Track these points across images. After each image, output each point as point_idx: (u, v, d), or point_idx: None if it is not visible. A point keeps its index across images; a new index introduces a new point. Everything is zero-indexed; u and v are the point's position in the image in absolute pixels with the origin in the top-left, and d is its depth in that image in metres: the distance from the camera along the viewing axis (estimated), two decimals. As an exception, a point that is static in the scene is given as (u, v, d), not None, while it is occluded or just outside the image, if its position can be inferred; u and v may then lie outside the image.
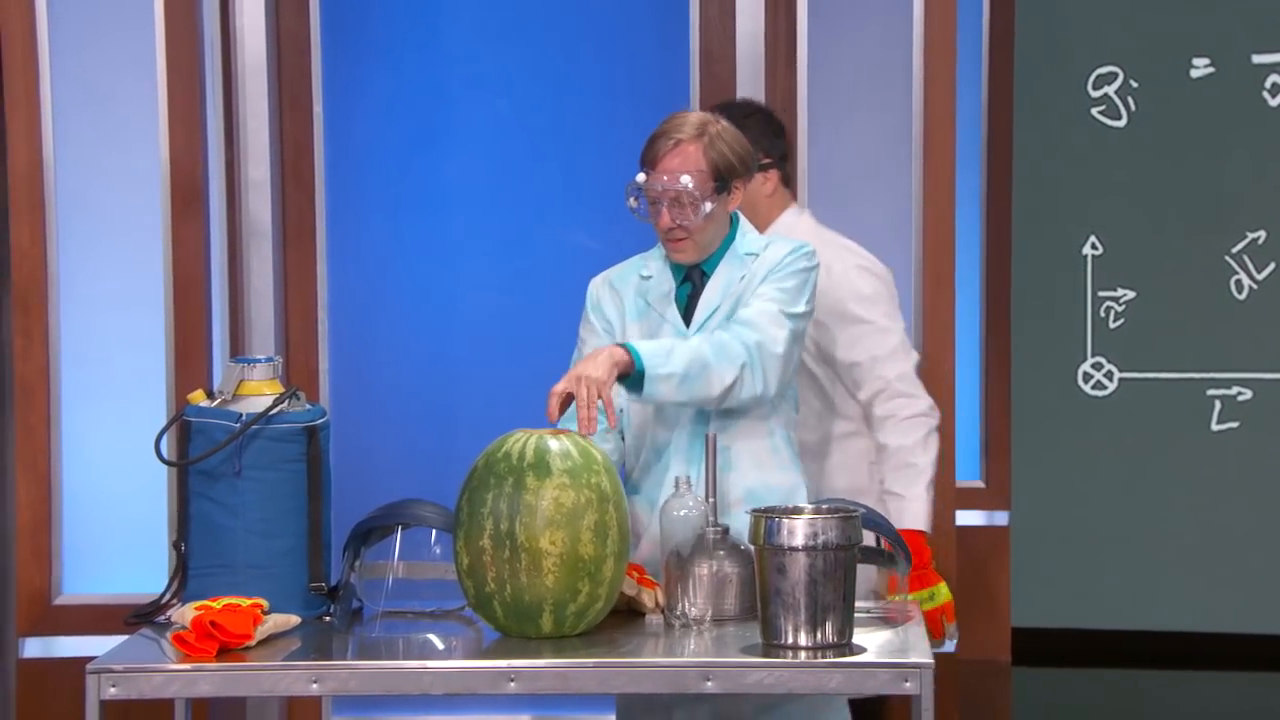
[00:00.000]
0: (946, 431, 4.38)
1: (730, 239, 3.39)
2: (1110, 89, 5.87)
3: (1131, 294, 5.90)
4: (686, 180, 3.27)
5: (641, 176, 3.31)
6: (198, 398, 3.18)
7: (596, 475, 3.00)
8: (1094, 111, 5.88)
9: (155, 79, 4.27)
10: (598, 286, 3.48)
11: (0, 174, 4.49)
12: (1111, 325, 5.91)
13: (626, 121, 4.58)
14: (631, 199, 3.33)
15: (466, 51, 4.59)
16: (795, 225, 3.88)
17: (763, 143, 3.80)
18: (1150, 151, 5.82)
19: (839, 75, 4.40)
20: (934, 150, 4.37)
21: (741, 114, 3.75)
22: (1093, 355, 5.92)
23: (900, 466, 3.78)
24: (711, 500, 3.18)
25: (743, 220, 3.44)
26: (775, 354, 3.28)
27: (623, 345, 3.20)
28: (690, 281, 3.40)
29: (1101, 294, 5.91)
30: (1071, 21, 5.84)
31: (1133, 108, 5.87)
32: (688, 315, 3.38)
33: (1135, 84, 5.86)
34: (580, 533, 2.97)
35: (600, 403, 3.11)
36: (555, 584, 2.98)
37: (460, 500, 3.05)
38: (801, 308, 3.33)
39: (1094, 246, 5.91)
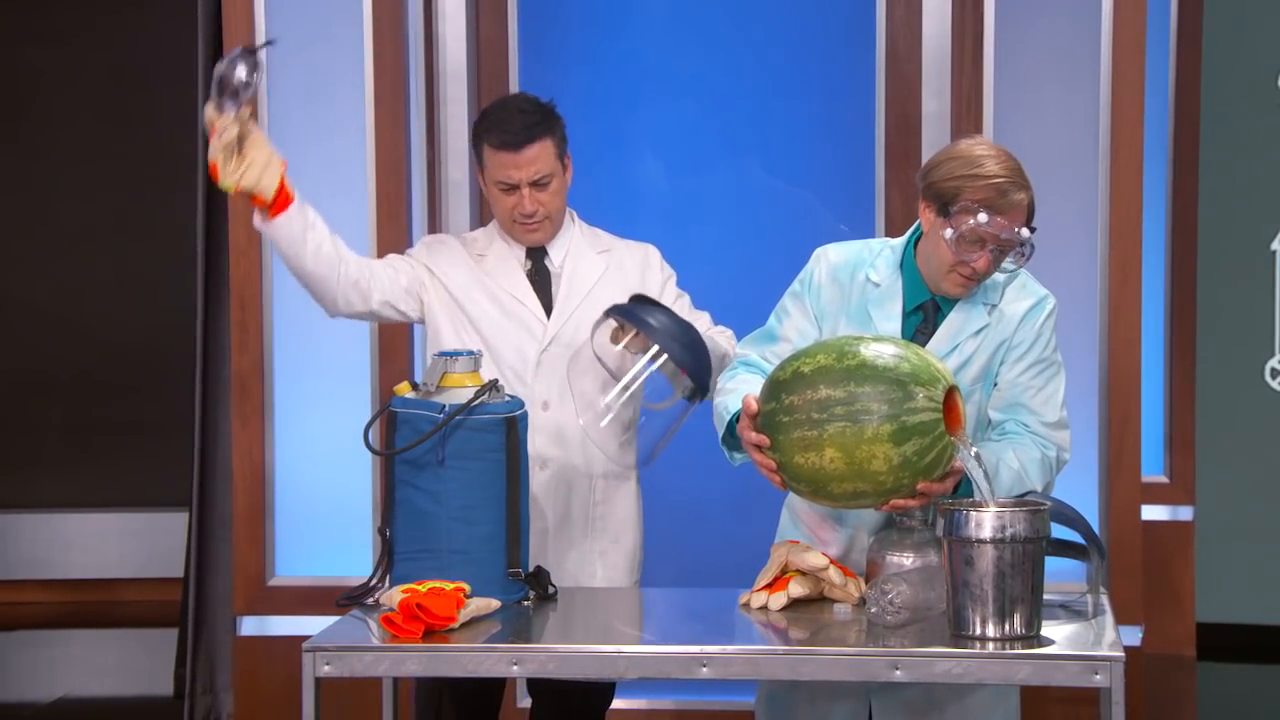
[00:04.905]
0: (1132, 427, 4.38)
1: None
2: (1300, 84, 5.80)
3: (1321, 290, 5.83)
4: (1026, 234, 3.19)
5: (985, 217, 3.16)
6: (403, 390, 3.26)
7: (909, 481, 3.04)
8: (1283, 107, 5.82)
9: (363, 84, 4.41)
10: (821, 268, 3.35)
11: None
12: (1300, 322, 5.84)
13: (813, 122, 4.61)
14: (967, 233, 3.18)
15: (656, 55, 4.63)
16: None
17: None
18: (1341, 146, 5.74)
19: (1025, 74, 4.37)
20: (1121, 148, 4.35)
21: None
22: (1280, 351, 5.86)
23: None
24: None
25: None
26: (1065, 460, 3.30)
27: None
28: (922, 312, 3.30)
29: (1290, 290, 5.84)
30: (1261, 16, 5.76)
31: (1323, 103, 5.79)
32: None
33: (1326, 79, 5.78)
34: (846, 483, 3.04)
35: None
36: (796, 470, 3.06)
37: (857, 340, 3.10)
38: (1064, 375, 3.33)
39: (1283, 242, 5.84)
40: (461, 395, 3.21)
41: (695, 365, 3.40)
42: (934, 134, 4.54)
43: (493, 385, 3.24)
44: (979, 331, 3.28)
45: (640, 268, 3.71)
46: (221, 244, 4.73)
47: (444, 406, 3.19)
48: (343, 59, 4.42)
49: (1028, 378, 3.28)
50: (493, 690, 3.66)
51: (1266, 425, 5.82)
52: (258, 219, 3.40)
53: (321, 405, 4.40)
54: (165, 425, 6.64)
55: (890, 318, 3.29)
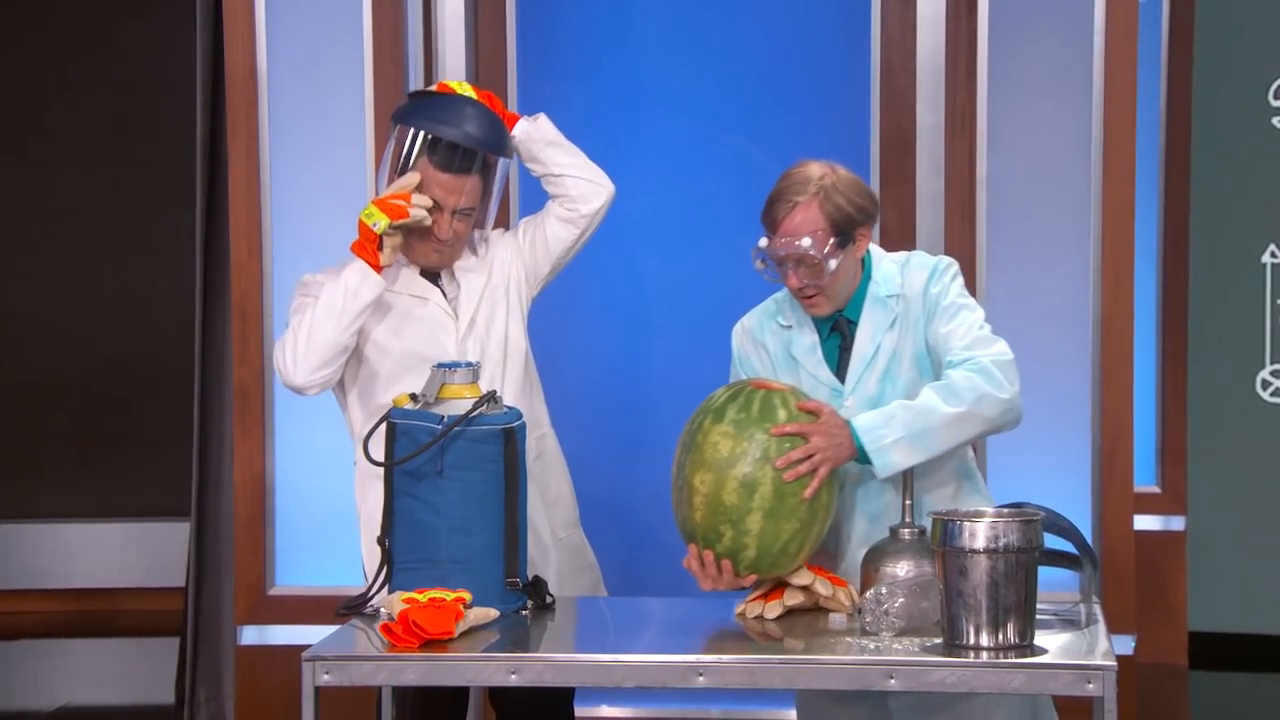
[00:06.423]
0: (1124, 437, 4.41)
1: (867, 279, 3.33)
2: (1291, 97, 5.83)
3: (1311, 302, 5.85)
4: (806, 243, 3.21)
5: (764, 241, 3.26)
6: (402, 401, 3.28)
7: (764, 434, 3.12)
8: (1274, 120, 5.83)
9: (363, 98, 4.45)
10: (740, 340, 3.43)
11: (222, 192, 4.72)
12: (1290, 333, 5.87)
13: (808, 135, 4.63)
14: (758, 262, 3.28)
15: (654, 69, 4.66)
16: None
17: None
18: (1332, 159, 5.77)
19: (1019, 88, 4.40)
20: (1113, 161, 4.38)
21: None
22: (1271, 363, 5.88)
23: None
24: (908, 502, 3.23)
25: (875, 256, 3.35)
26: (1007, 360, 3.23)
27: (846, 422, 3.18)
28: (839, 332, 3.35)
29: (1280, 302, 5.87)
30: (1252, 30, 5.79)
31: (1314, 116, 5.82)
32: (841, 370, 3.33)
33: (1317, 92, 5.81)
34: (726, 481, 3.11)
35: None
36: (701, 521, 3.14)
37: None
38: (982, 312, 3.32)
39: (1273, 254, 5.86)
40: (460, 407, 3.23)
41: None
42: (929, 147, 4.57)
43: (491, 396, 3.26)
44: (892, 324, 3.32)
45: (507, 241, 3.75)
46: (221, 256, 4.76)
47: (442, 418, 3.21)
48: (343, 74, 4.45)
49: (939, 326, 3.29)
50: (459, 698, 3.69)
51: (1257, 436, 5.85)
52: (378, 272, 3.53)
53: (322, 416, 4.39)
54: (166, 436, 6.66)
55: (810, 349, 3.35)
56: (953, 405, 3.17)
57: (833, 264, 3.24)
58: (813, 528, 3.17)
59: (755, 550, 3.14)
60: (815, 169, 3.28)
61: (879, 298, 3.32)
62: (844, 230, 3.25)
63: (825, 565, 3.31)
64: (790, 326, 3.37)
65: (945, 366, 3.25)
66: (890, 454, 3.17)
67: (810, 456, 3.14)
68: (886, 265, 3.35)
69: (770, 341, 3.39)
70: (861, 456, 3.19)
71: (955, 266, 3.35)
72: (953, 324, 3.27)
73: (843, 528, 3.37)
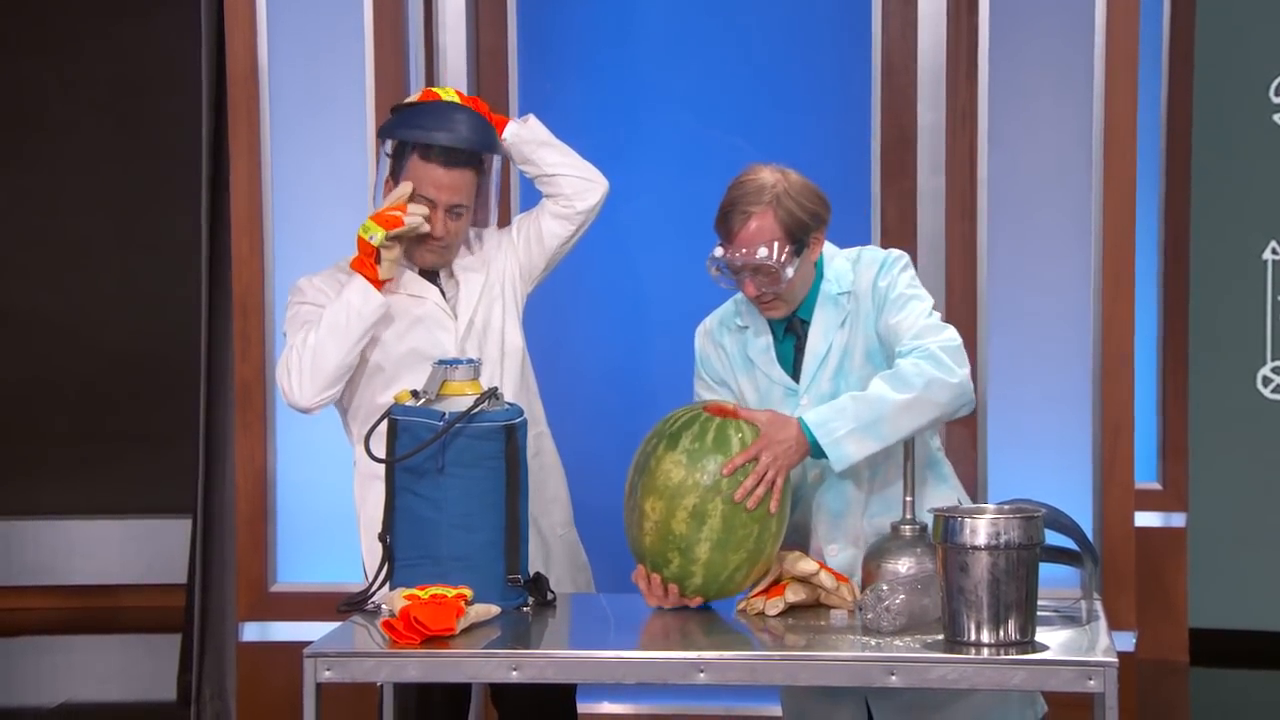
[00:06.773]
0: (1125, 434, 4.42)
1: (819, 278, 3.35)
2: (1292, 95, 5.84)
3: (1312, 299, 5.87)
4: (763, 253, 3.22)
5: (720, 250, 3.27)
6: (404, 398, 3.29)
7: (716, 464, 3.13)
8: (1275, 117, 5.84)
9: (364, 94, 4.45)
10: (701, 341, 3.44)
11: (224, 190, 4.72)
12: (1291, 330, 5.88)
13: (809, 133, 4.64)
14: (714, 269, 3.28)
15: (654, 66, 4.67)
16: None
17: None
18: (1332, 156, 5.78)
19: (1020, 86, 4.41)
20: (1114, 159, 4.38)
21: None
22: (1271, 359, 5.89)
23: None
24: (909, 499, 3.24)
25: (827, 254, 3.36)
26: (954, 345, 3.23)
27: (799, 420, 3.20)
28: (793, 333, 3.36)
29: (1281, 299, 5.89)
30: (1252, 27, 5.80)
31: (1314, 114, 5.83)
32: (795, 370, 3.35)
33: (1317, 90, 5.82)
34: (676, 510, 3.14)
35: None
36: (650, 546, 3.17)
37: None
38: (930, 301, 3.32)
39: (1274, 252, 5.87)
40: (461, 403, 3.24)
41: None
42: (930, 145, 4.57)
43: (492, 393, 3.26)
44: (844, 322, 3.33)
45: (502, 238, 3.75)
46: (223, 254, 4.77)
47: (444, 414, 3.22)
48: (344, 69, 4.45)
49: (889, 318, 3.29)
50: (461, 694, 3.70)
51: (1258, 432, 5.86)
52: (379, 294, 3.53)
53: (323, 413, 4.41)
54: (167, 433, 6.68)
55: (764, 350, 3.36)
56: (902, 393, 3.18)
57: (789, 272, 3.25)
58: (759, 557, 3.20)
59: (701, 578, 3.18)
60: (768, 176, 3.28)
61: (831, 296, 3.34)
62: (798, 238, 3.26)
63: None
64: (746, 328, 3.39)
65: (896, 356, 3.26)
66: (844, 446, 3.17)
67: (764, 475, 3.16)
68: (839, 263, 3.36)
69: (728, 342, 3.41)
70: (816, 451, 3.19)
71: (905, 259, 3.36)
72: (901, 315, 3.28)
73: (806, 528, 3.38)
